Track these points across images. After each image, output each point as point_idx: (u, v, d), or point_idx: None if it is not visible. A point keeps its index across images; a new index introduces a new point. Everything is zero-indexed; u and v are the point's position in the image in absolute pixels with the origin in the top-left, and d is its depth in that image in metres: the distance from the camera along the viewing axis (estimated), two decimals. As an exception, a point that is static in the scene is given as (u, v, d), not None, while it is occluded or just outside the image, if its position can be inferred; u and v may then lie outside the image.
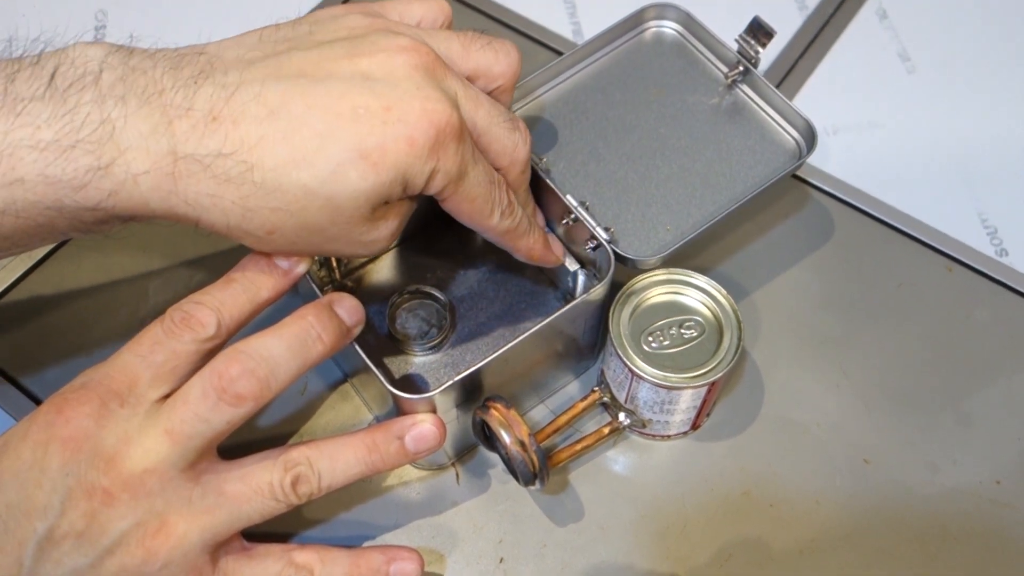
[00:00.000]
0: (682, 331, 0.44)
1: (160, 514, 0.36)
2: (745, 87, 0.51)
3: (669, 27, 0.53)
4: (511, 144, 0.41)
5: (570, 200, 0.46)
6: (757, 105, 0.51)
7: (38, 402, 0.47)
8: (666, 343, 0.44)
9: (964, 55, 0.62)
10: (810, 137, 0.48)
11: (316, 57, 0.37)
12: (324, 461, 0.39)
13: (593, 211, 0.47)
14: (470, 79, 0.41)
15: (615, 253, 0.44)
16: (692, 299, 0.45)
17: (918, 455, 0.47)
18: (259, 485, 0.38)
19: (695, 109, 0.51)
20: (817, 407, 0.48)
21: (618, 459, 0.47)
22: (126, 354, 0.37)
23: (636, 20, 0.53)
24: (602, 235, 0.45)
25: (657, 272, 0.45)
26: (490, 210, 0.41)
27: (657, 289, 0.45)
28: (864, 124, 0.59)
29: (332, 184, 0.35)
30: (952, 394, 0.49)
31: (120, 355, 0.37)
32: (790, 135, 0.50)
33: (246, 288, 0.39)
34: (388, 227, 0.39)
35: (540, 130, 0.50)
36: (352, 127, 0.35)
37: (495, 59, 0.41)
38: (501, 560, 0.44)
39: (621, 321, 0.44)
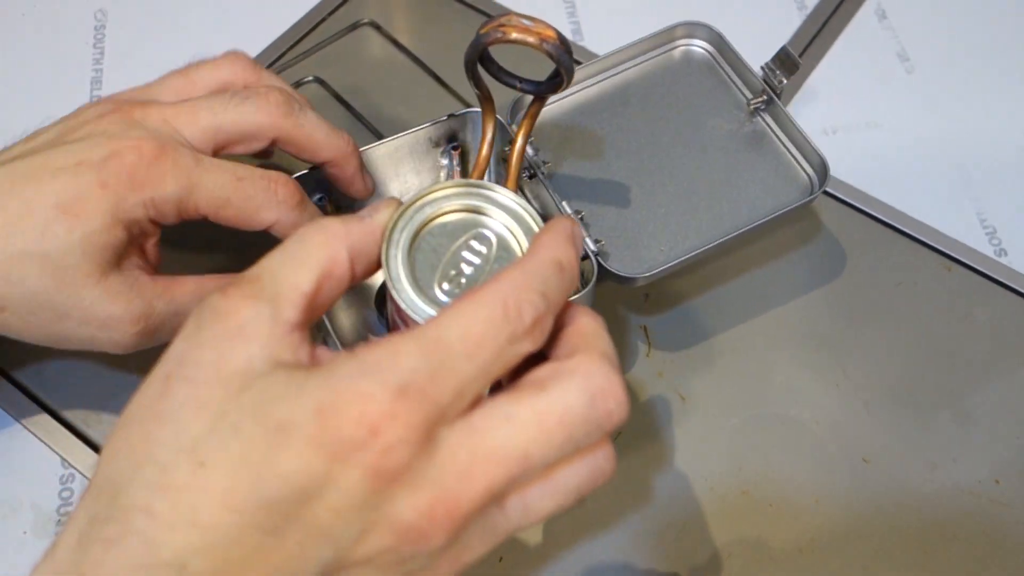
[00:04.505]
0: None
1: (463, 545, 0.29)
2: (766, 116, 0.51)
3: (699, 46, 0.53)
4: (251, 115, 0.41)
5: (565, 208, 0.46)
6: (775, 135, 0.50)
7: (38, 402, 0.47)
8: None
9: (964, 55, 0.62)
10: (823, 175, 0.48)
11: (34, 142, 0.40)
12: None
13: (588, 222, 0.47)
14: (224, 145, 0.42)
15: (600, 266, 0.44)
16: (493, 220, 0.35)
17: (917, 454, 0.47)
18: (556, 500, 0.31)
19: (713, 133, 0.51)
20: (816, 406, 0.48)
21: (617, 457, 0.47)
22: (458, 354, 0.28)
23: (667, 37, 0.53)
24: (590, 246, 0.45)
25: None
26: (254, 208, 0.40)
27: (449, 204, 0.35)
28: (863, 124, 0.59)
29: (43, 243, 0.37)
30: (951, 393, 0.49)
31: (448, 349, 0.28)
32: (803, 170, 0.49)
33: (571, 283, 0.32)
34: (122, 300, 0.39)
35: (552, 134, 0.50)
36: (50, 187, 0.37)
37: (239, 116, 0.41)
38: (500, 559, 0.44)
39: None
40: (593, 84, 0.52)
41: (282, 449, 0.26)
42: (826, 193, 0.55)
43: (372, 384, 0.27)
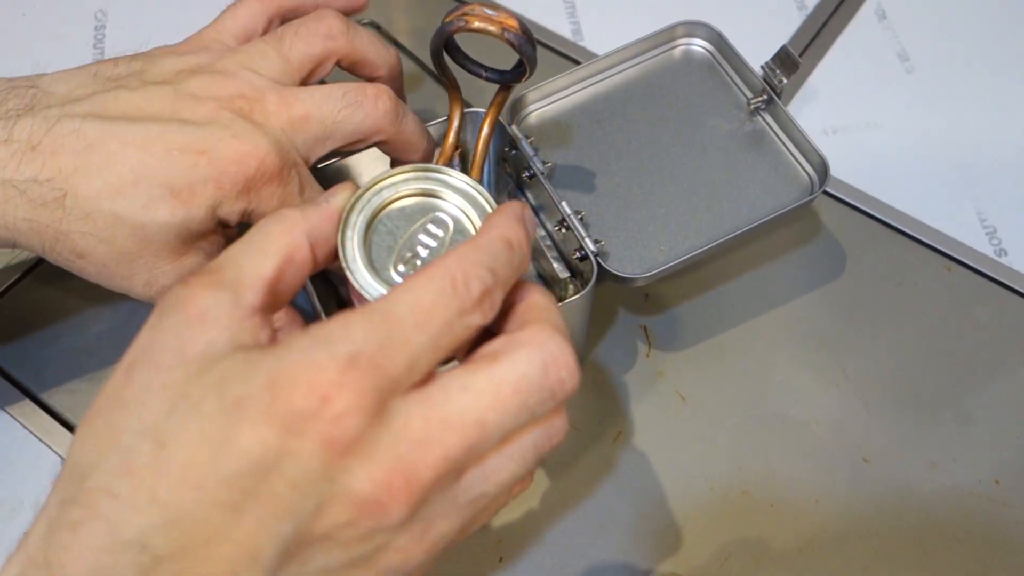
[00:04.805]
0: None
1: (426, 519, 0.29)
2: (766, 115, 0.51)
3: (699, 46, 0.53)
4: (359, 122, 0.42)
5: (564, 208, 0.46)
6: (775, 135, 0.50)
7: (37, 401, 0.47)
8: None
9: (964, 55, 0.62)
10: (823, 174, 0.48)
11: (139, 100, 0.39)
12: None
13: (588, 222, 0.47)
14: (308, 76, 0.43)
15: (599, 266, 0.44)
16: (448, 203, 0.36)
17: (917, 454, 0.47)
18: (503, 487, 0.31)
19: (713, 132, 0.51)
20: (816, 406, 0.48)
21: (618, 458, 0.47)
22: (408, 325, 0.29)
23: (666, 36, 0.52)
24: (590, 247, 0.45)
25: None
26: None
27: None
28: (863, 124, 0.59)
29: (143, 215, 0.38)
30: (951, 393, 0.49)
31: (398, 322, 0.29)
32: (804, 170, 0.49)
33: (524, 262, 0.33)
34: (191, 272, 0.40)
35: (553, 135, 0.50)
36: (165, 166, 0.38)
37: (308, 46, 0.43)
38: (501, 559, 0.44)
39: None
40: (593, 84, 0.52)
41: (238, 425, 0.27)
42: (826, 193, 0.55)
43: (321, 355, 0.28)
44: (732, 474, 0.46)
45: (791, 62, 0.49)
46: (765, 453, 0.47)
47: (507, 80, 0.43)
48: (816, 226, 0.54)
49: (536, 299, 0.32)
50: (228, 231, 0.42)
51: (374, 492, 0.27)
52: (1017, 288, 0.52)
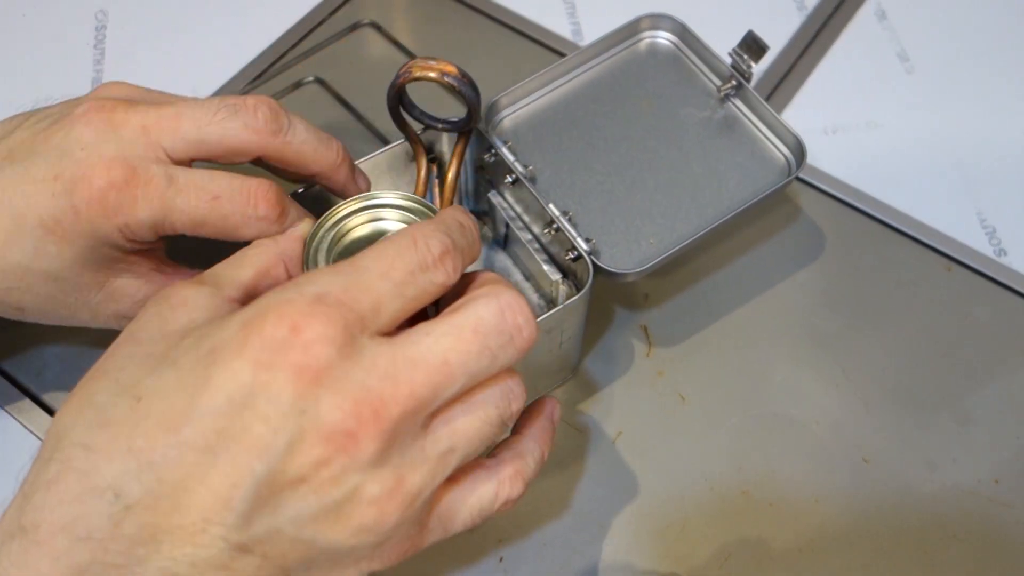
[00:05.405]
0: None
1: (397, 467, 0.30)
2: (737, 101, 0.51)
3: (664, 38, 0.53)
4: (237, 130, 0.39)
5: (552, 209, 0.46)
6: (748, 120, 0.50)
7: (38, 401, 0.48)
8: None
9: (964, 55, 0.62)
10: (800, 154, 0.48)
11: (24, 135, 0.38)
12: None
13: (576, 221, 0.47)
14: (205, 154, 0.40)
15: (594, 264, 0.44)
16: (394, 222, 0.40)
17: (917, 454, 0.47)
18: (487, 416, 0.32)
19: (686, 122, 0.51)
20: (816, 406, 0.48)
21: (618, 458, 0.47)
22: (373, 273, 0.30)
23: (631, 30, 0.52)
24: (582, 246, 0.45)
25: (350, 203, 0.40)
26: (232, 227, 0.39)
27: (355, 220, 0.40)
28: (863, 124, 0.59)
29: (40, 260, 0.37)
30: (951, 393, 0.49)
31: (363, 270, 0.31)
32: (780, 151, 0.49)
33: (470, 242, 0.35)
34: (127, 300, 0.40)
35: (529, 138, 0.50)
36: (32, 204, 0.37)
37: (224, 132, 0.39)
38: (501, 560, 0.44)
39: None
40: (563, 84, 0.52)
41: (213, 367, 0.28)
42: (826, 193, 0.56)
43: (290, 293, 0.29)
44: (732, 474, 0.46)
45: (758, 47, 0.49)
46: (765, 453, 0.47)
47: (460, 128, 0.46)
48: (815, 225, 0.54)
49: (489, 275, 0.35)
50: (154, 245, 0.40)
51: (343, 422, 0.28)
52: (1017, 288, 0.52)
